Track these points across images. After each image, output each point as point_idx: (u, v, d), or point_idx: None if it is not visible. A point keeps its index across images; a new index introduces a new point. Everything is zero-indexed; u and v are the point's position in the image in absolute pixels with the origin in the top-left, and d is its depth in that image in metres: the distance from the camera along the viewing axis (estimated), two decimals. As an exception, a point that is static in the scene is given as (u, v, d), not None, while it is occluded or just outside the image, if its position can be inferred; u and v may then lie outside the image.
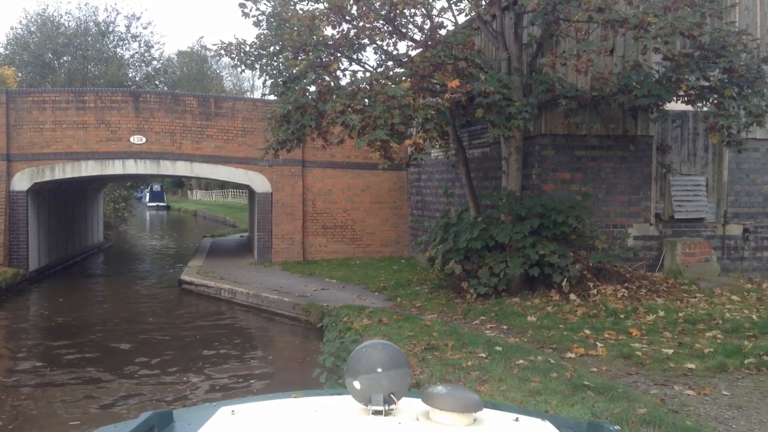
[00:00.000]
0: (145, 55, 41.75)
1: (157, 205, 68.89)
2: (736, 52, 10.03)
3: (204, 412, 2.21)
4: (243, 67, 12.75)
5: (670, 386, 7.04)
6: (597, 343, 8.78)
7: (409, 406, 2.11)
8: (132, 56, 41.52)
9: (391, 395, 2.03)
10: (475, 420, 2.04)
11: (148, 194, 71.66)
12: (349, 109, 9.92)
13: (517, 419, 2.16)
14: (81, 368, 10.49)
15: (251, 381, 9.95)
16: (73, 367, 10.57)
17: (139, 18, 57.11)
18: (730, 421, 6.02)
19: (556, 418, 2.38)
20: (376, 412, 2.02)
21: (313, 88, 11.30)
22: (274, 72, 11.74)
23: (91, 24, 40.00)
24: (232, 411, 2.12)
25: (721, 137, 10.16)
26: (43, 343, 12.35)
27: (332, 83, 11.27)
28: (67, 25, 39.30)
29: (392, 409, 2.04)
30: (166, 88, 41.34)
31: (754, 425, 5.91)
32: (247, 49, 12.33)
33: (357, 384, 2.04)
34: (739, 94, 10.25)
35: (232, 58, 12.66)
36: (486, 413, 2.12)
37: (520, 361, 7.68)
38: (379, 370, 2.03)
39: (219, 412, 2.14)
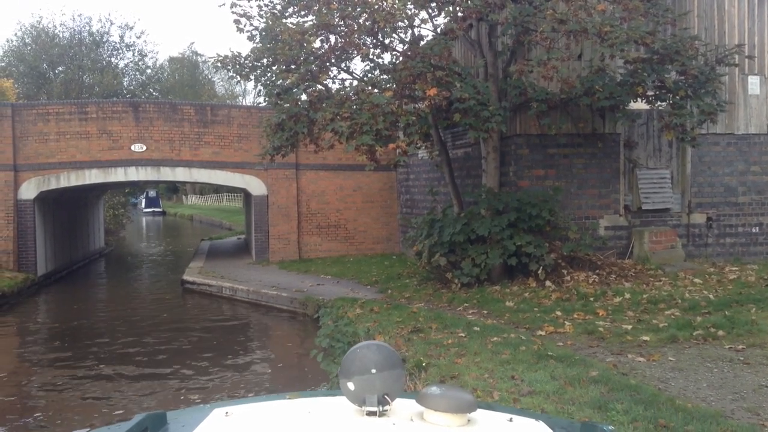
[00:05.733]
0: (139, 63, 42.61)
1: (153, 211, 69.54)
2: (689, 56, 11.03)
3: (198, 414, 2.21)
4: (239, 78, 13.70)
5: (624, 355, 8.02)
6: (566, 322, 9.76)
7: (403, 406, 2.12)
8: (126, 65, 42.40)
9: (385, 396, 2.04)
10: (469, 420, 2.05)
11: (143, 200, 72.31)
12: (338, 117, 10.90)
13: (511, 419, 2.16)
14: (99, 366, 11.14)
15: (257, 365, 10.91)
16: (91, 365, 11.27)
17: (132, 28, 57.90)
18: (670, 381, 7.00)
19: (550, 418, 2.38)
20: (370, 413, 2.04)
21: (304, 97, 12.27)
22: (269, 83, 12.67)
23: (86, 34, 40.85)
24: (226, 412, 2.14)
25: (675, 134, 11.16)
26: (60, 342, 13.22)
27: (323, 90, 12.24)
28: (61, 36, 40.16)
29: (386, 410, 2.05)
30: (159, 96, 42.24)
31: (689, 383, 6.90)
32: (242, 61, 13.27)
33: (351, 385, 2.05)
34: (694, 94, 11.27)
35: (228, 70, 13.61)
36: (480, 414, 2.13)
37: (495, 339, 8.64)
38: (373, 371, 2.04)
39: (213, 413, 2.15)
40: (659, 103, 11.85)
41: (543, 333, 9.29)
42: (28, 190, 18.97)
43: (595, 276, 12.10)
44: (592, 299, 10.97)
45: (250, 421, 2.08)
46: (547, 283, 11.89)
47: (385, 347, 2.11)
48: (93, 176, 19.41)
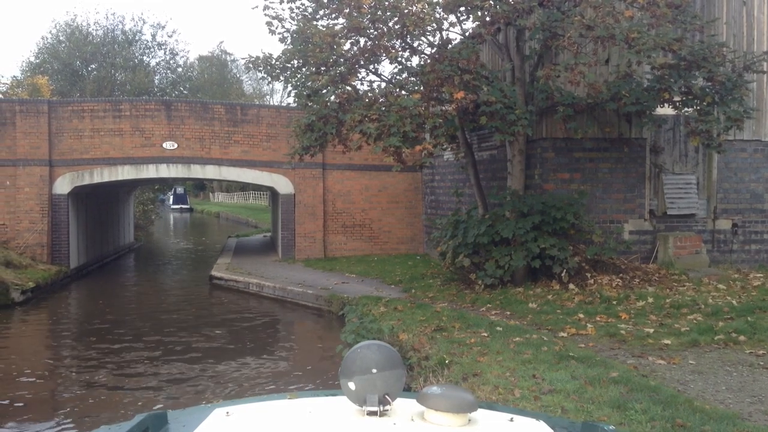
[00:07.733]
0: (170, 62, 43.30)
1: (181, 208, 70.45)
2: (716, 63, 11.07)
3: (199, 414, 2.22)
4: (269, 79, 13.99)
5: (645, 357, 8.14)
6: (588, 324, 9.88)
7: (403, 406, 2.13)
8: (158, 63, 43.10)
9: (386, 396, 2.05)
10: (469, 420, 2.06)
11: (171, 197, 73.26)
12: (366, 119, 11.13)
13: (511, 419, 2.17)
14: (128, 361, 11.34)
15: (284, 360, 11.18)
16: (121, 359, 11.54)
17: (164, 27, 58.72)
18: (689, 383, 7.12)
19: (551, 418, 2.39)
20: (371, 413, 2.04)
21: (333, 98, 12.52)
22: (299, 84, 12.93)
23: (118, 33, 41.66)
24: (227, 412, 2.15)
25: (701, 140, 11.22)
26: (91, 335, 13.59)
27: (352, 92, 12.48)
28: (95, 34, 41.00)
29: (387, 410, 2.06)
30: (188, 94, 42.90)
31: (708, 386, 7.01)
32: (273, 62, 13.54)
33: (352, 385, 2.05)
34: (721, 101, 11.32)
35: (260, 71, 13.90)
36: (481, 413, 2.14)
37: (517, 339, 8.81)
38: (374, 370, 2.04)
39: (214, 413, 2.17)
40: (686, 109, 11.90)
41: (565, 334, 9.43)
42: (63, 185, 19.47)
43: (618, 280, 12.18)
44: (615, 302, 11.07)
45: (250, 421, 2.09)
46: (571, 285, 11.99)
47: (385, 347, 2.11)
48: (125, 172, 19.88)
